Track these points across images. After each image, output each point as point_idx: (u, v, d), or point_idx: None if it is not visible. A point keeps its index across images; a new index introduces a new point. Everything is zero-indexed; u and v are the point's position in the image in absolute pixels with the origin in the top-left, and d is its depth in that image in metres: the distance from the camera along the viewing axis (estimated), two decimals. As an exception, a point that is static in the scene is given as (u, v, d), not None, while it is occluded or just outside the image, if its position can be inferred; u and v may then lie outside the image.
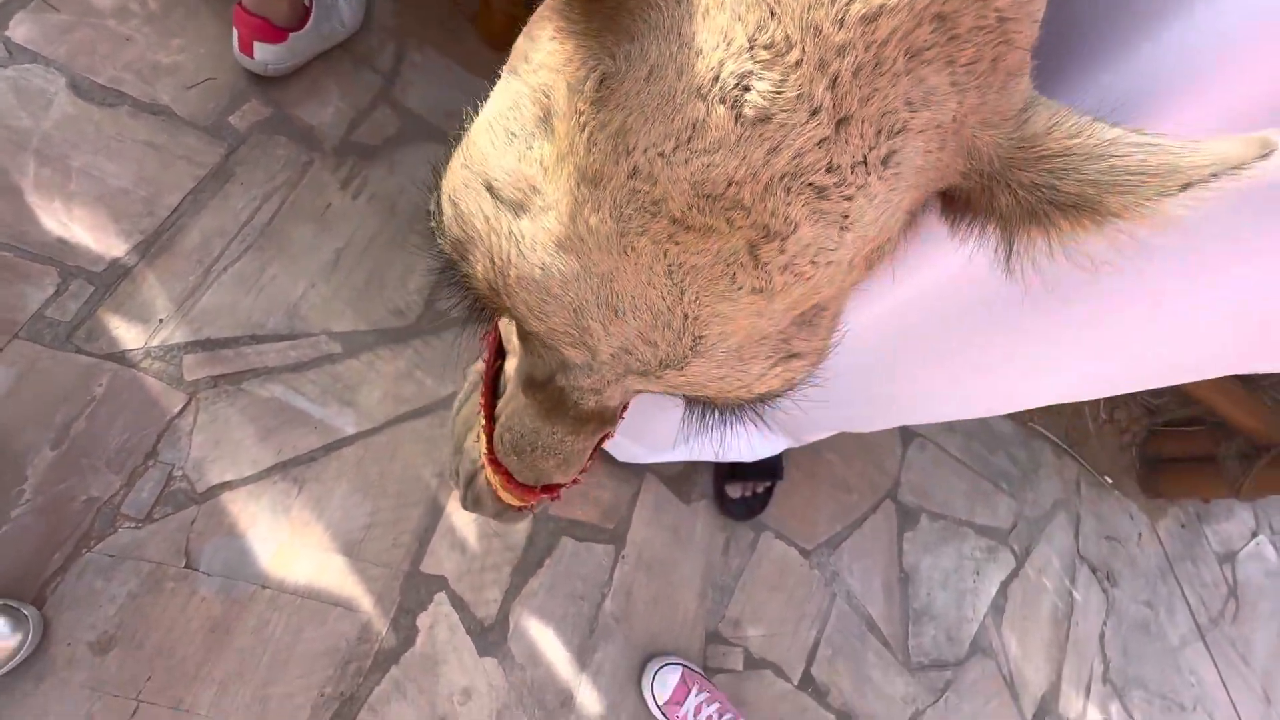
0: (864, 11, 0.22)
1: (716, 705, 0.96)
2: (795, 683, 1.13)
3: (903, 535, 1.34)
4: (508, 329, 0.42)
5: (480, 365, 0.48)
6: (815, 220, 0.25)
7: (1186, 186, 0.24)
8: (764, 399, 0.34)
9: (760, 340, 0.30)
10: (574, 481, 0.44)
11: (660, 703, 0.96)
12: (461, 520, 0.97)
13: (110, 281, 0.88)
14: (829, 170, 0.24)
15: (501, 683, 0.92)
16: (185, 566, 0.81)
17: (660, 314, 0.28)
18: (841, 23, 0.22)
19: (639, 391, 0.36)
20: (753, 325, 0.29)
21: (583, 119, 0.26)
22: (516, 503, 0.44)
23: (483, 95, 0.35)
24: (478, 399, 0.46)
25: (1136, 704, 1.47)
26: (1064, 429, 1.68)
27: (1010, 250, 0.29)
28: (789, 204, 0.25)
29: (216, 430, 0.87)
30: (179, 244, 0.93)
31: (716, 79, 0.23)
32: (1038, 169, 0.27)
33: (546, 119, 0.28)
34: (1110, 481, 1.72)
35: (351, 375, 0.97)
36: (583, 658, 0.98)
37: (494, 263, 0.30)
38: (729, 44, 0.23)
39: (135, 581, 0.78)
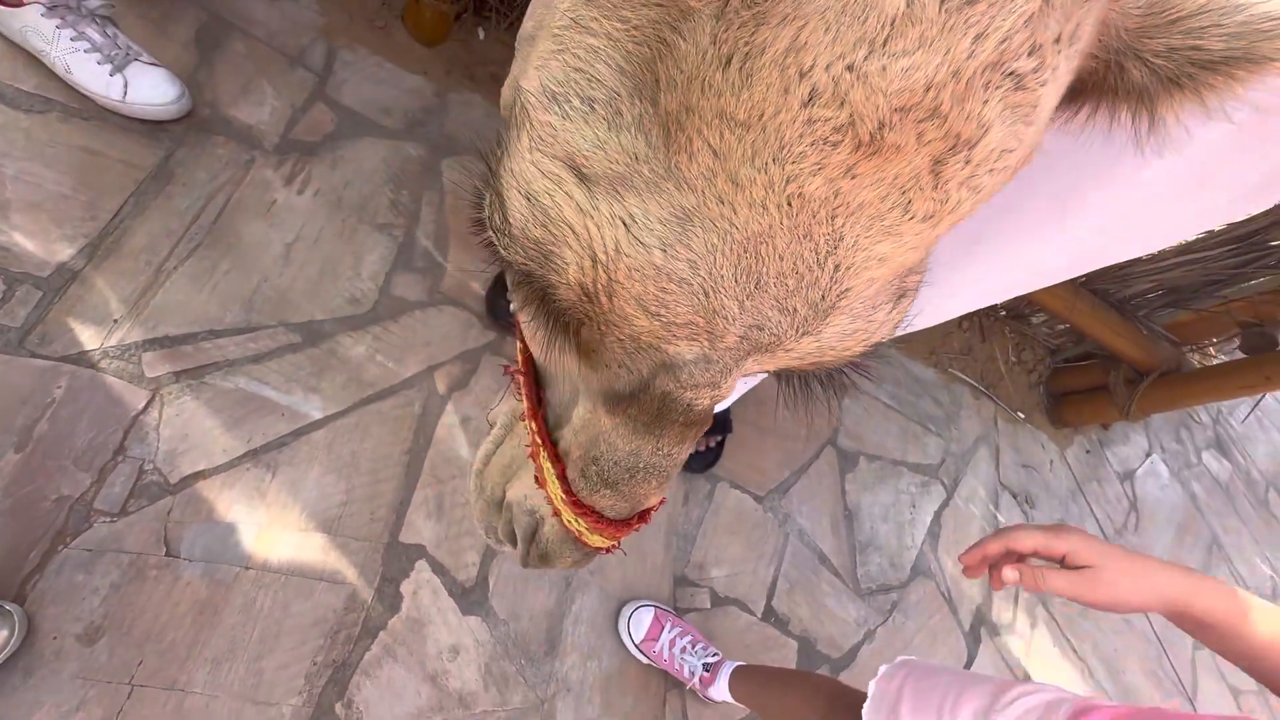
0: None
1: (689, 638, 1.05)
2: (759, 615, 1.23)
3: (845, 477, 1.47)
4: (551, 350, 0.33)
5: (513, 404, 0.43)
6: (1008, 118, 0.22)
7: None
8: (872, 351, 0.30)
9: (893, 278, 0.27)
10: (662, 501, 0.38)
11: (637, 641, 1.04)
12: (435, 491, 1.02)
13: (59, 285, 0.88)
14: (1031, 53, 0.21)
15: (487, 638, 0.97)
16: (166, 554, 0.83)
17: (808, 272, 0.25)
18: None
19: (752, 373, 0.31)
20: (904, 261, 0.25)
21: (725, 49, 0.21)
22: (607, 543, 0.38)
23: (493, 77, 0.36)
24: (518, 444, 0.41)
25: (1057, 606, 1.65)
26: (979, 372, 1.86)
27: (1153, 123, 0.27)
28: (986, 101, 0.21)
29: (184, 423, 0.89)
30: (126, 245, 0.94)
31: None
32: (1172, 32, 0.25)
33: (646, 67, 0.23)
34: (1023, 416, 1.91)
35: (313, 363, 1.00)
36: (561, 609, 1.04)
37: (595, 258, 0.25)
38: None
39: (117, 572, 0.80)
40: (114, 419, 0.85)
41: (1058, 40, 0.21)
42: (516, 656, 0.98)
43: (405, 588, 0.95)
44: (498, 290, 1.18)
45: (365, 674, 0.88)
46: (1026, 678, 1.47)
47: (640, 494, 0.35)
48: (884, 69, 0.20)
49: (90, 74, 0.95)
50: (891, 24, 0.19)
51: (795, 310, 0.26)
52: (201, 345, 0.94)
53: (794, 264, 0.24)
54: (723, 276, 0.25)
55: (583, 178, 0.24)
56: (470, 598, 0.98)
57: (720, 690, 1.00)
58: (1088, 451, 2.02)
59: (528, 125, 0.26)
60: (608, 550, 0.39)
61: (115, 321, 0.90)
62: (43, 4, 0.91)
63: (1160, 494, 2.13)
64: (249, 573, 0.86)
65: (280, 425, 0.94)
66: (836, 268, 0.24)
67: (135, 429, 0.86)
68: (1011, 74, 0.21)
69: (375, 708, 0.87)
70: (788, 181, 0.22)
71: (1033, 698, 0.55)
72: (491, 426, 0.45)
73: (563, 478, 0.36)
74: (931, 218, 0.23)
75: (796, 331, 0.27)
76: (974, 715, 0.55)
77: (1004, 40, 0.20)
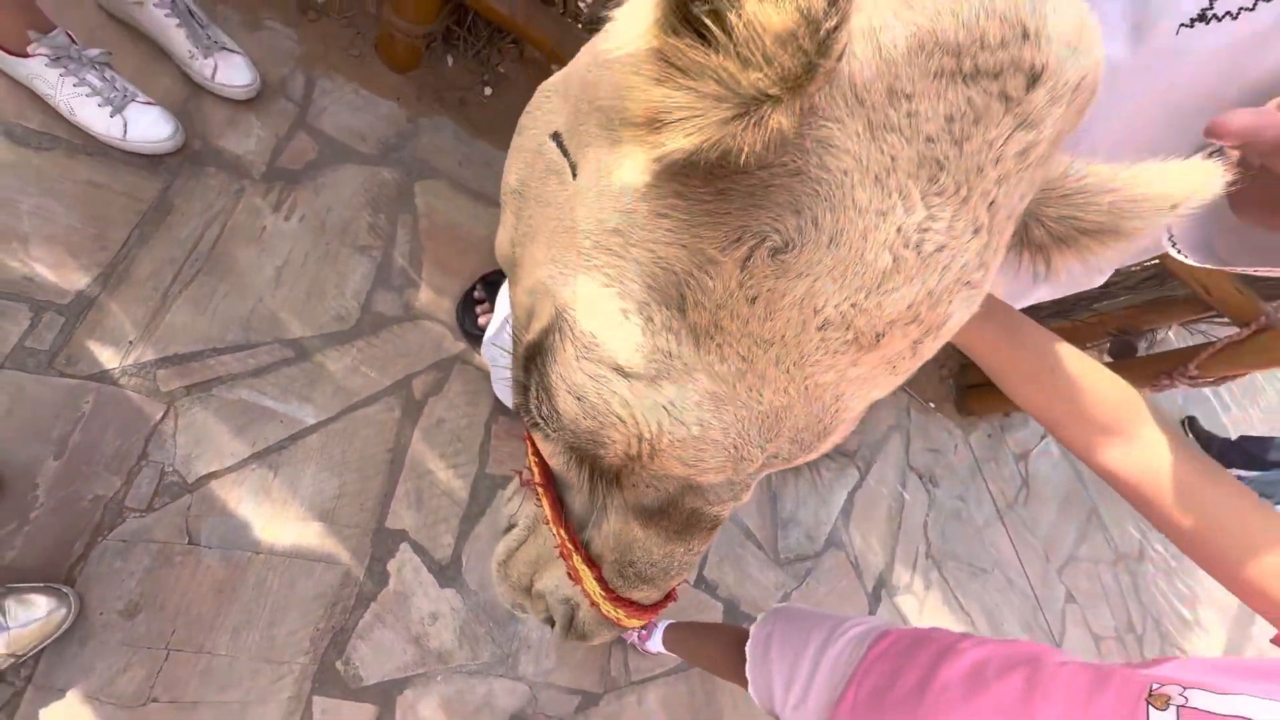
0: (1019, 149, 0.26)
1: None
2: (691, 582, 1.45)
3: (772, 463, 1.69)
4: (582, 480, 0.38)
5: (532, 509, 0.47)
6: (963, 305, 0.29)
7: (1174, 207, 0.32)
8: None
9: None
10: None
11: None
12: (415, 485, 1.19)
13: (78, 311, 1.00)
14: (979, 266, 0.28)
15: (460, 606, 1.16)
16: (189, 543, 0.99)
17: (817, 422, 0.31)
18: (999, 160, 0.26)
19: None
20: (884, 393, 0.33)
21: (750, 292, 0.26)
22: (640, 623, 0.43)
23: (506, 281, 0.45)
24: (543, 544, 0.46)
25: (950, 571, 1.94)
26: (897, 368, 2.10)
27: (1048, 268, 0.36)
28: (950, 303, 0.28)
29: (196, 431, 1.04)
30: (134, 273, 1.06)
31: (900, 230, 0.25)
32: (1062, 205, 0.33)
33: (673, 288, 0.28)
34: (933, 406, 2.17)
35: (305, 375, 1.15)
36: (523, 581, 1.24)
37: (641, 437, 0.30)
38: (905, 198, 0.25)
39: (148, 559, 0.95)
40: (136, 429, 1.00)
41: (996, 250, 0.29)
42: (485, 621, 1.18)
43: (391, 566, 1.13)
44: (466, 306, 1.33)
45: (360, 637, 1.07)
46: (914, 629, 1.76)
47: (672, 584, 0.41)
48: (879, 304, 0.27)
49: (92, 115, 1.05)
50: (883, 275, 0.26)
51: (805, 441, 0.32)
52: (207, 362, 1.07)
53: (807, 419, 0.31)
54: (749, 436, 0.31)
55: (625, 375, 0.29)
56: (446, 573, 1.17)
57: (655, 644, 1.22)
58: (989, 436, 2.31)
59: (570, 336, 0.30)
60: (638, 625, 0.44)
61: (130, 343, 1.03)
62: (47, 55, 1.00)
63: (1050, 471, 2.45)
64: (259, 556, 1.03)
65: (279, 431, 1.10)
66: (837, 412, 0.31)
67: (155, 437, 1.01)
68: (967, 283, 0.29)
69: (369, 664, 1.06)
70: (806, 377, 0.29)
71: (859, 628, 0.72)
72: (508, 523, 0.49)
73: (600, 579, 0.41)
74: (907, 371, 0.31)
75: (804, 453, 0.33)
76: (817, 647, 0.72)
77: (962, 268, 0.28)
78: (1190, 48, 0.40)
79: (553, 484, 0.42)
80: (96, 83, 1.05)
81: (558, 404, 0.31)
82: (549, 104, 0.38)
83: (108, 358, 1.01)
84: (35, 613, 0.83)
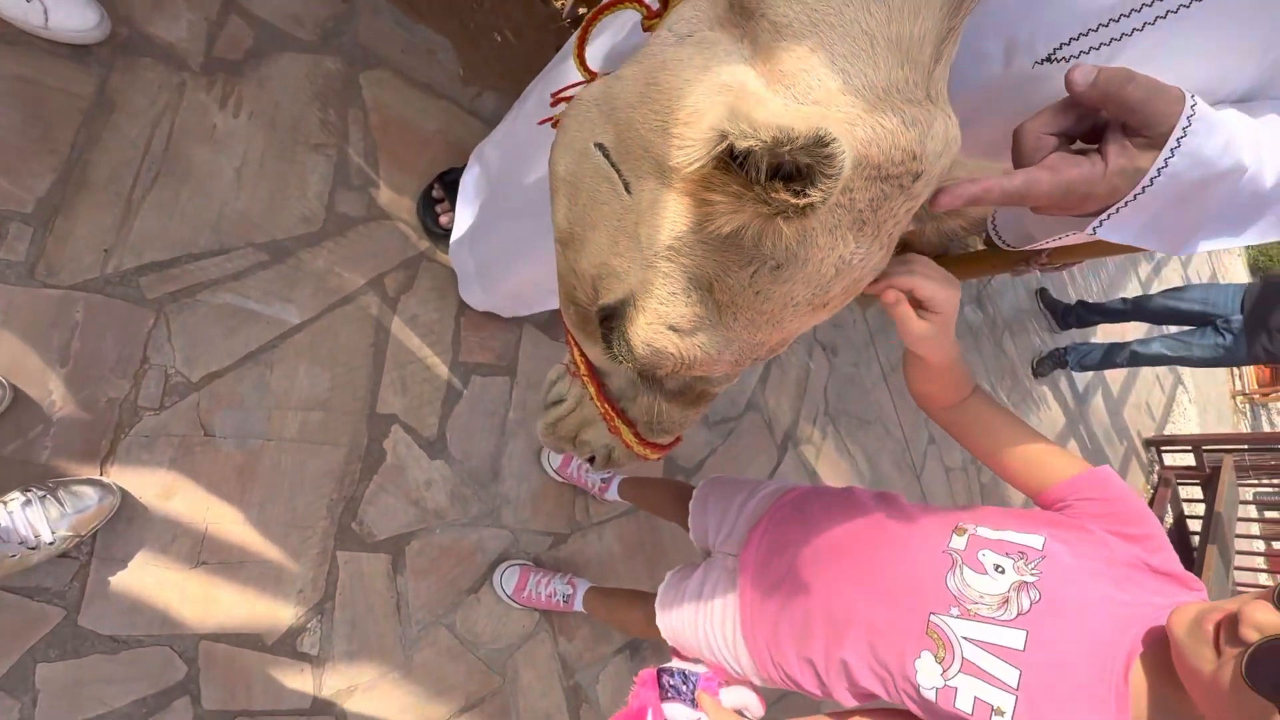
0: (907, 209, 0.44)
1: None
2: (638, 444, 1.72)
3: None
4: (611, 365, 0.56)
5: (579, 389, 0.63)
6: (870, 273, 0.46)
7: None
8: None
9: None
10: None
11: (554, 466, 1.48)
12: (398, 374, 1.32)
13: (44, 219, 1.00)
14: (880, 261, 0.46)
15: (449, 473, 1.37)
16: (205, 435, 1.10)
17: (781, 341, 0.48)
18: (894, 215, 0.43)
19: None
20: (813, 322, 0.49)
21: (755, 288, 0.43)
22: (659, 456, 0.63)
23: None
24: (591, 412, 0.62)
25: (843, 425, 2.35)
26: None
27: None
28: (864, 280, 0.47)
29: (190, 335, 1.10)
30: (91, 177, 1.05)
31: (840, 255, 0.42)
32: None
33: (707, 282, 0.44)
34: (839, 286, 2.46)
35: (282, 277, 1.21)
36: (500, 449, 1.45)
37: (683, 363, 0.48)
38: (844, 239, 0.42)
39: (171, 451, 1.06)
40: (132, 335, 1.05)
41: (889, 251, 0.47)
42: (471, 483, 1.39)
43: (386, 444, 1.29)
44: (426, 205, 1.39)
45: (368, 503, 1.25)
46: (814, 475, 2.17)
47: (683, 431, 0.62)
48: (828, 290, 0.44)
49: (8, 0, 0.97)
50: (830, 277, 0.43)
51: (770, 352, 0.50)
52: (185, 268, 1.11)
53: (775, 343, 0.49)
54: (743, 355, 0.49)
55: (675, 330, 0.46)
56: (434, 448, 1.35)
57: (613, 493, 1.50)
58: (881, 311, 2.66)
59: (641, 308, 0.47)
60: (658, 457, 0.64)
61: (106, 251, 1.05)
62: None
63: (928, 339, 2.88)
64: (270, 443, 1.16)
65: (267, 331, 1.18)
66: (791, 337, 0.49)
67: (151, 341, 1.07)
68: (874, 268, 0.46)
69: (378, 523, 1.26)
70: (780, 327, 0.46)
71: (770, 485, 0.99)
72: (555, 397, 0.66)
73: (636, 433, 0.60)
74: (835, 311, 0.49)
75: (769, 357, 0.51)
76: (740, 501, 0.99)
77: (873, 267, 0.46)
78: (1045, 77, 0.57)
79: (595, 372, 0.60)
80: None
81: (633, 348, 0.48)
82: (591, 115, 0.51)
83: (87, 266, 1.03)
84: (87, 501, 0.94)
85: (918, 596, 0.67)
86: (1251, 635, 0.47)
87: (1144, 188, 0.45)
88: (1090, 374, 3.99)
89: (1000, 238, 0.63)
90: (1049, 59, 0.55)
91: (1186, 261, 6.89)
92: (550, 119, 0.85)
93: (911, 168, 0.42)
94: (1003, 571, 0.65)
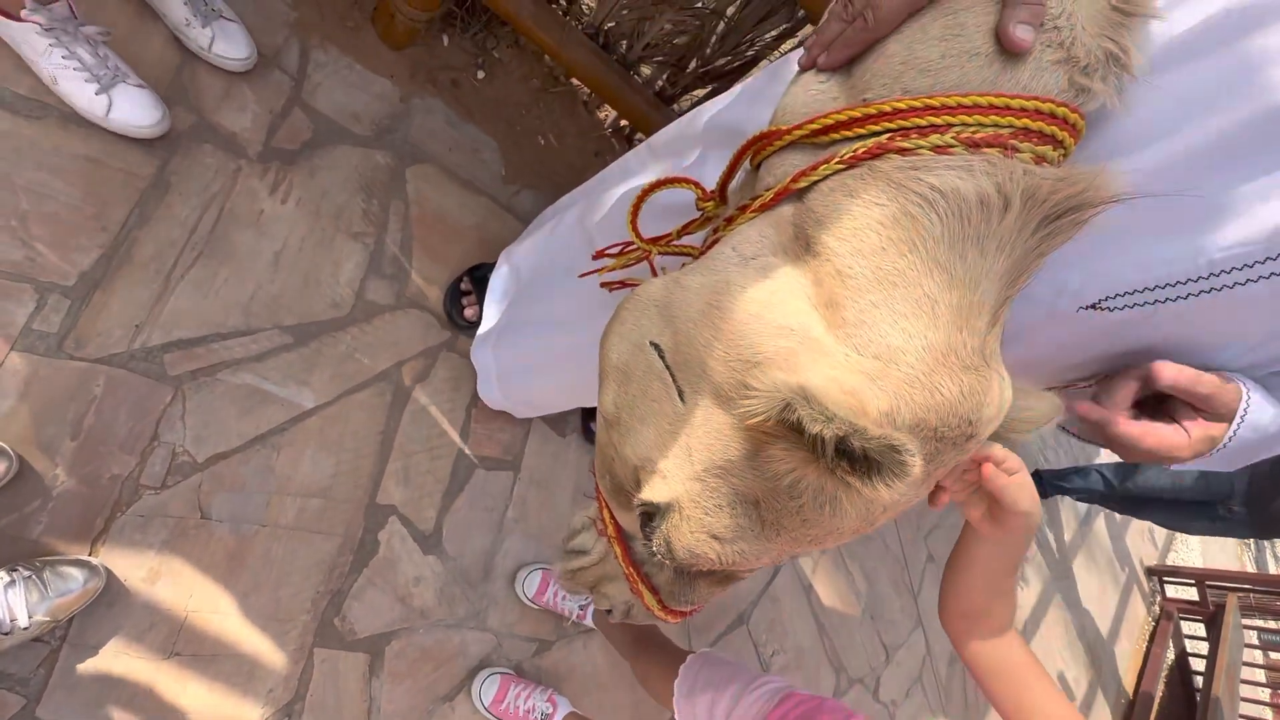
0: (960, 457, 0.45)
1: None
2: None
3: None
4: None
5: (604, 546, 0.63)
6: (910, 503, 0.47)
7: (1035, 425, 0.51)
8: None
9: None
10: None
11: (530, 595, 1.42)
12: (403, 464, 1.31)
13: (83, 294, 1.02)
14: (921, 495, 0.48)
15: (441, 570, 1.33)
16: (201, 518, 1.08)
17: (808, 550, 0.49)
18: (950, 465, 0.45)
19: None
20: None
21: (801, 516, 0.42)
22: (679, 620, 0.62)
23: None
24: (613, 568, 0.62)
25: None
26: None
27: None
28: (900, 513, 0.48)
29: (204, 414, 1.10)
30: (135, 255, 1.08)
31: (885, 501, 0.41)
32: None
33: (754, 499, 0.43)
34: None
35: (303, 361, 1.22)
36: (494, 547, 1.42)
37: (721, 562, 0.47)
38: (902, 494, 0.42)
39: (165, 532, 1.04)
40: (147, 411, 1.05)
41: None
42: (462, 583, 1.36)
43: (381, 536, 1.27)
44: (453, 297, 1.42)
45: (354, 598, 1.22)
46: (809, 589, 2.11)
47: (706, 603, 0.60)
48: (871, 522, 0.44)
49: (76, 89, 1.02)
50: (876, 515, 0.43)
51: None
52: (211, 347, 1.13)
53: (805, 551, 0.49)
54: (782, 560, 0.49)
55: (717, 539, 0.45)
56: (429, 542, 1.32)
57: (588, 621, 1.44)
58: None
59: (686, 518, 0.46)
60: (678, 621, 0.62)
61: (137, 327, 1.06)
62: (40, 25, 0.96)
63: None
64: (264, 529, 1.14)
65: (280, 414, 1.18)
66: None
67: (165, 419, 1.07)
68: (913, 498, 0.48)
69: (362, 620, 1.22)
70: (816, 544, 0.45)
71: (768, 683, 0.90)
72: (577, 547, 0.66)
73: (659, 600, 0.58)
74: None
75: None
76: (733, 694, 0.89)
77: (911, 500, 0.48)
78: (1085, 320, 0.58)
79: (623, 535, 0.59)
80: (88, 58, 1.01)
81: (674, 552, 0.47)
82: (649, 314, 0.52)
83: (115, 341, 1.04)
84: (71, 584, 0.92)
85: None
86: None
87: (1223, 447, 0.54)
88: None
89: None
90: (1094, 306, 0.57)
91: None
92: (591, 273, 0.88)
93: (966, 431, 0.43)
94: None
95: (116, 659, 0.99)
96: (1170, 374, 0.53)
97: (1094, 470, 2.92)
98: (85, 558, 0.96)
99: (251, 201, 1.20)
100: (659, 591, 0.59)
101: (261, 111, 1.23)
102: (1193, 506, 2.66)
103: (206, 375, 1.11)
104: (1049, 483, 3.04)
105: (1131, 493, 2.79)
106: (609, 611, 0.66)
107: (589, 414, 1.59)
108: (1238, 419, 0.53)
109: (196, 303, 1.12)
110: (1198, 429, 0.54)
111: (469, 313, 1.41)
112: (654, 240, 0.74)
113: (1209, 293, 0.49)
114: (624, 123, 1.78)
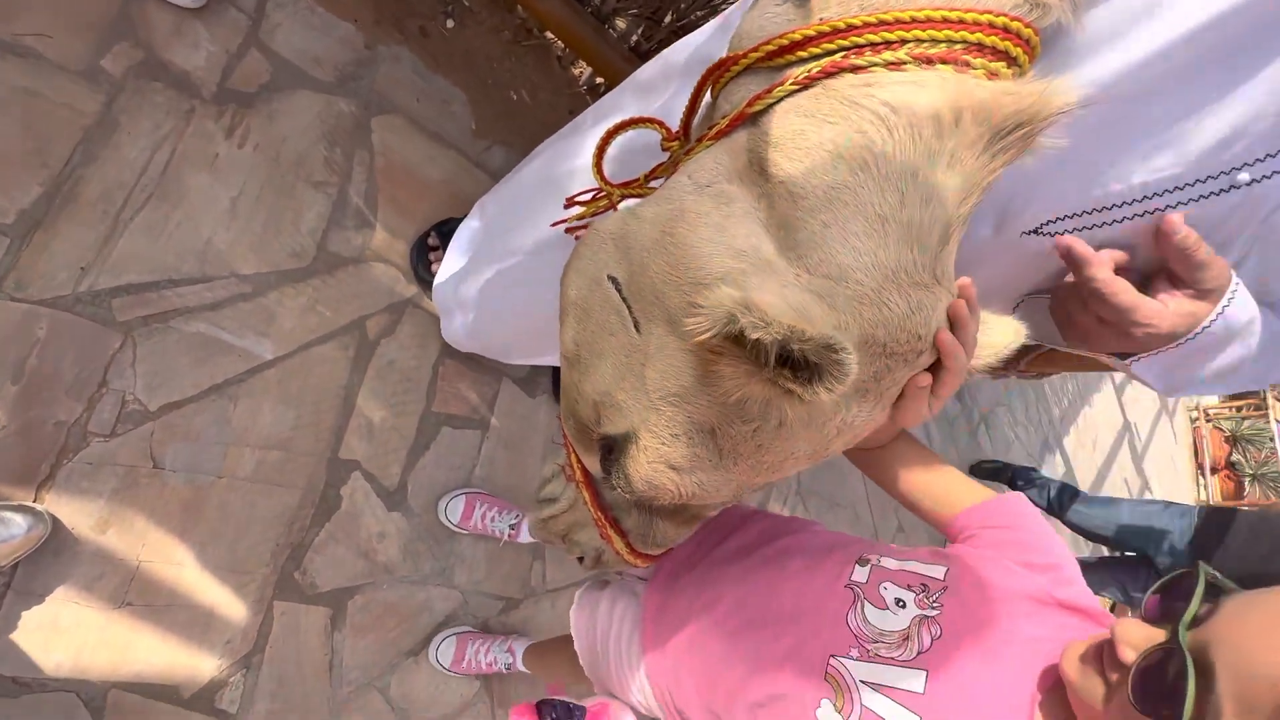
0: (905, 376, 0.45)
1: (495, 509, 1.40)
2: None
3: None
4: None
5: (573, 492, 0.63)
6: (868, 426, 0.47)
7: (997, 354, 0.51)
8: None
9: None
10: None
11: (455, 520, 1.37)
12: (366, 420, 1.29)
13: (24, 232, 0.98)
14: (873, 420, 0.46)
15: (406, 526, 1.32)
16: (154, 467, 1.05)
17: (768, 480, 0.48)
18: (896, 383, 0.44)
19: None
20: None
21: (756, 441, 0.43)
22: (648, 564, 0.63)
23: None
24: (584, 515, 0.61)
25: (812, 504, 2.33)
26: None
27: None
28: (860, 432, 0.46)
29: (155, 361, 1.07)
30: (81, 194, 1.03)
31: (843, 419, 0.43)
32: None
33: (709, 427, 0.43)
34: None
35: (262, 311, 1.19)
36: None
37: (681, 498, 0.47)
38: (849, 407, 0.43)
39: (115, 481, 1.02)
40: (94, 356, 1.02)
41: (885, 409, 0.47)
42: (427, 538, 1.35)
43: (344, 491, 1.25)
44: (420, 251, 1.38)
45: (316, 552, 1.20)
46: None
47: (673, 544, 0.61)
48: (827, 441, 0.45)
49: None
50: (830, 438, 0.45)
51: (761, 484, 0.51)
52: (163, 293, 1.09)
53: (765, 481, 0.48)
54: (739, 492, 0.49)
55: (674, 468, 0.46)
56: (394, 499, 1.31)
57: (524, 536, 1.39)
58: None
59: (642, 447, 0.46)
60: (647, 565, 0.64)
61: (82, 270, 1.02)
62: None
63: (904, 426, 2.90)
64: (221, 480, 1.11)
65: (238, 364, 1.15)
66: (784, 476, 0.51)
67: (114, 365, 1.03)
68: (870, 422, 0.47)
69: (323, 574, 1.21)
70: (774, 471, 0.46)
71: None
72: (548, 495, 0.67)
73: (627, 543, 0.59)
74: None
75: (763, 487, 0.57)
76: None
77: (865, 422, 0.46)
78: (1027, 245, 0.59)
79: (591, 479, 0.59)
80: None
81: (632, 483, 0.47)
82: (606, 249, 0.51)
83: (60, 283, 1.00)
84: (14, 530, 0.89)
85: (819, 639, 0.61)
86: (1129, 655, 0.45)
87: (1204, 329, 0.51)
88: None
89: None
90: (1036, 231, 0.57)
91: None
92: (562, 221, 0.86)
93: (916, 346, 0.43)
94: (903, 605, 0.60)
95: (65, 607, 0.97)
96: (1181, 224, 0.49)
97: (1049, 485, 2.73)
98: (29, 504, 0.93)
99: (206, 144, 1.15)
100: (628, 535, 0.59)
101: (216, 50, 1.18)
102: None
103: (159, 322, 1.08)
104: (1019, 474, 2.96)
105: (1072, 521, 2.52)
106: (581, 559, 0.66)
107: (558, 373, 1.57)
108: (1228, 294, 0.50)
109: (147, 246, 1.08)
110: (1176, 301, 0.51)
111: (436, 267, 1.38)
112: (623, 186, 0.73)
113: (1142, 216, 0.49)
114: (599, 80, 1.74)
